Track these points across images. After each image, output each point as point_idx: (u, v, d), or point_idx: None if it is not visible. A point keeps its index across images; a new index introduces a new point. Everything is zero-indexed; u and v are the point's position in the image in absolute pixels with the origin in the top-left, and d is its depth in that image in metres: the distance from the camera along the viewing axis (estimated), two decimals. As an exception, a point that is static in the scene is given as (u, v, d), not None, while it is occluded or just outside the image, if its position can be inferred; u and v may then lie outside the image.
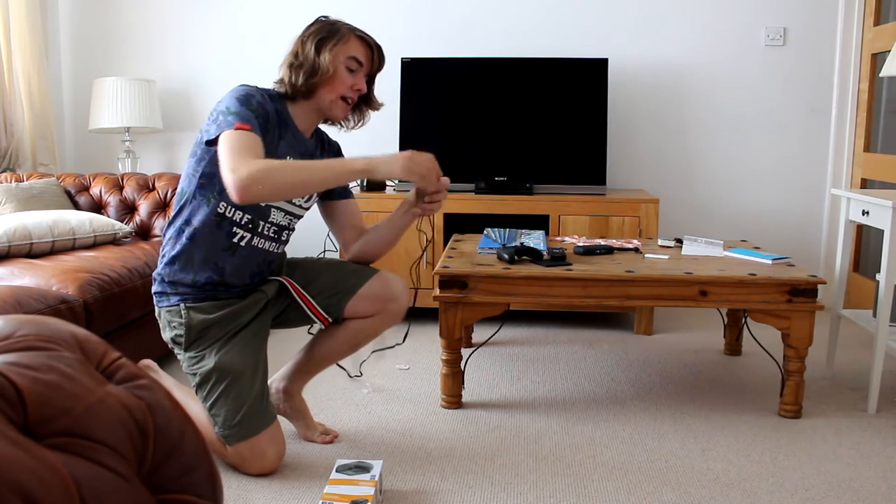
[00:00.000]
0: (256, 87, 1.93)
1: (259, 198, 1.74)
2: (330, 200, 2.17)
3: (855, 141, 3.71)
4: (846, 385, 2.70)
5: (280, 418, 2.10)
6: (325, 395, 2.55)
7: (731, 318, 3.05)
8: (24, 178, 3.25)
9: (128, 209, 3.29)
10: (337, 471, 1.85)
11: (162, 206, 3.29)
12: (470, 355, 2.95)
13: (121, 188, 3.32)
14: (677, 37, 3.79)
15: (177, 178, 3.35)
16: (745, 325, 3.02)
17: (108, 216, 3.22)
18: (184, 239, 1.95)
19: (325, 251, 3.14)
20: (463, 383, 2.48)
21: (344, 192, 2.18)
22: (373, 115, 2.15)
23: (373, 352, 2.98)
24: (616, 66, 3.76)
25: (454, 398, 2.45)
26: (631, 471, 2.02)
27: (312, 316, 2.08)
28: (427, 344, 3.15)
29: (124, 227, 2.97)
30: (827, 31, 3.73)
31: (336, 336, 2.13)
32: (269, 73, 3.87)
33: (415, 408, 2.45)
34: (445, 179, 1.98)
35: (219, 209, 1.93)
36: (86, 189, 3.32)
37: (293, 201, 2.03)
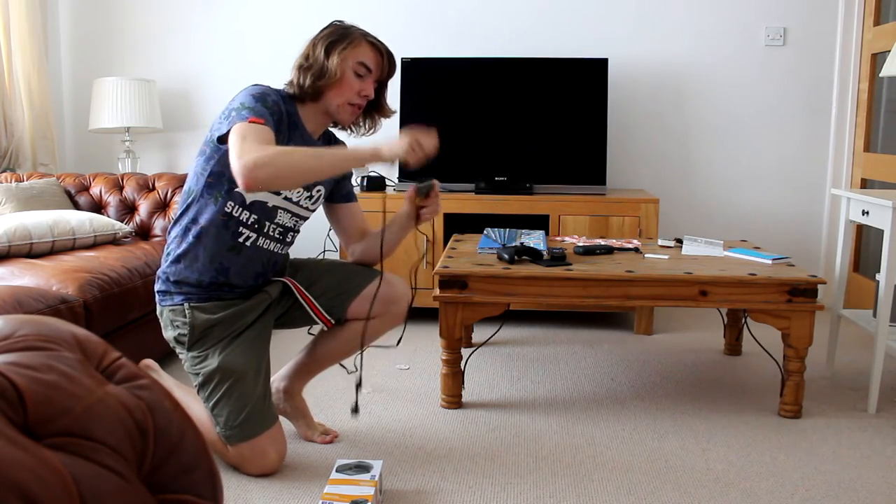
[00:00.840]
0: (270, 86, 1.93)
1: (265, 184, 1.69)
2: (335, 203, 2.18)
3: (855, 141, 3.71)
4: (846, 385, 2.70)
5: (281, 418, 2.10)
6: (325, 395, 2.55)
7: (731, 318, 3.05)
8: (24, 178, 3.25)
9: (128, 209, 3.29)
10: (337, 471, 1.85)
11: (162, 206, 3.29)
12: (470, 355, 2.95)
13: (121, 188, 3.32)
14: (677, 37, 3.79)
15: (177, 178, 3.35)
16: (745, 325, 3.02)
17: (108, 216, 3.22)
18: (190, 237, 1.95)
19: (324, 251, 3.13)
20: (463, 383, 2.48)
21: (348, 196, 2.19)
22: None
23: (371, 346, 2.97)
24: (616, 66, 3.76)
25: (454, 398, 2.45)
26: (631, 471, 2.02)
27: (315, 317, 2.09)
28: (427, 344, 3.15)
29: (124, 227, 2.97)
30: (827, 31, 3.73)
31: (338, 337, 2.14)
32: (269, 74, 3.91)
33: (415, 408, 2.45)
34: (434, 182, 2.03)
35: (226, 208, 1.93)
36: (86, 189, 3.32)
37: (299, 203, 2.03)
